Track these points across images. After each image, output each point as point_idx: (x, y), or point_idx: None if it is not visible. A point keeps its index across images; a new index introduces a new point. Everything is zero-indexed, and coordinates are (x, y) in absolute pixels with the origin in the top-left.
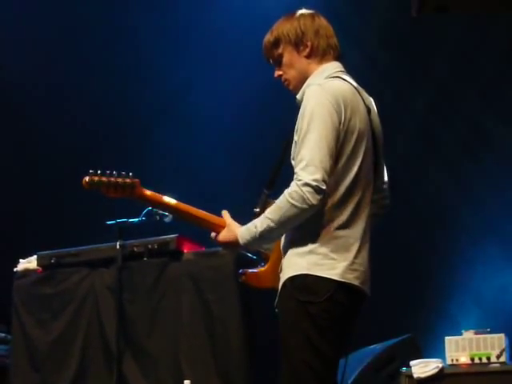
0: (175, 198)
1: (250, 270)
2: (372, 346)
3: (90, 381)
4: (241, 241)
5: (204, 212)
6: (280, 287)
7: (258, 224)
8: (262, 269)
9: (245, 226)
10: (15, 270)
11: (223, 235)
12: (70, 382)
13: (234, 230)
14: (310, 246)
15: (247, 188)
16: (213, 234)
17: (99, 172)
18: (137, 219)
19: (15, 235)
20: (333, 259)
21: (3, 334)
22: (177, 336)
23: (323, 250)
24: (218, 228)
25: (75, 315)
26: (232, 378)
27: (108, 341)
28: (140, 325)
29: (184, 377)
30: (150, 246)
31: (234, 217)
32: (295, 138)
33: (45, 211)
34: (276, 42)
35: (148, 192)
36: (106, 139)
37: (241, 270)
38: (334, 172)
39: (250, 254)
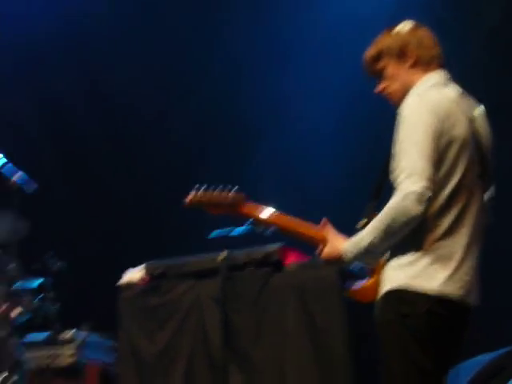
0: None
1: (355, 285)
2: (480, 356)
3: None
4: (345, 257)
5: (305, 225)
6: (379, 299)
7: (363, 238)
8: (368, 283)
9: (349, 241)
10: (122, 280)
11: (326, 252)
12: None
13: (338, 246)
14: (410, 258)
15: (353, 196)
16: (318, 251)
17: (202, 189)
18: (241, 229)
19: (119, 247)
20: (433, 271)
21: (112, 343)
22: (282, 347)
23: (424, 261)
24: (318, 243)
25: (181, 326)
26: None
27: (213, 351)
28: (245, 335)
29: None
30: (254, 257)
31: (339, 225)
32: (394, 149)
33: (149, 222)
34: (378, 56)
35: (247, 209)
36: (212, 148)
37: (346, 284)
38: (435, 181)
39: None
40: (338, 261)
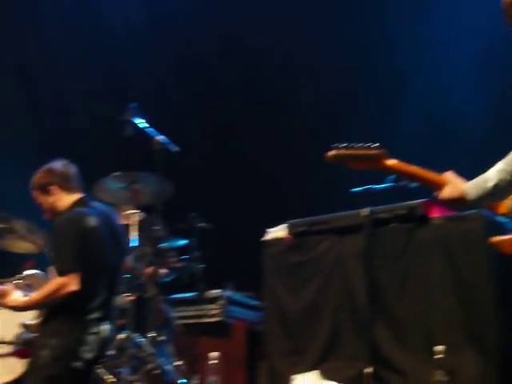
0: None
1: (503, 237)
2: None
3: (341, 347)
4: (468, 196)
5: (427, 171)
6: None
7: (488, 179)
8: None
9: (471, 183)
10: (264, 239)
11: (448, 191)
12: (322, 349)
13: (459, 187)
14: None
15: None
16: (437, 193)
17: (343, 145)
18: (384, 185)
19: (264, 205)
20: None
21: (256, 302)
22: (427, 301)
23: None
24: (441, 186)
25: (325, 282)
26: (485, 345)
27: (358, 307)
28: (390, 290)
29: (435, 342)
30: (397, 212)
31: None
32: None
33: (292, 180)
34: None
35: (391, 163)
36: (355, 103)
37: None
38: None
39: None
40: (459, 202)
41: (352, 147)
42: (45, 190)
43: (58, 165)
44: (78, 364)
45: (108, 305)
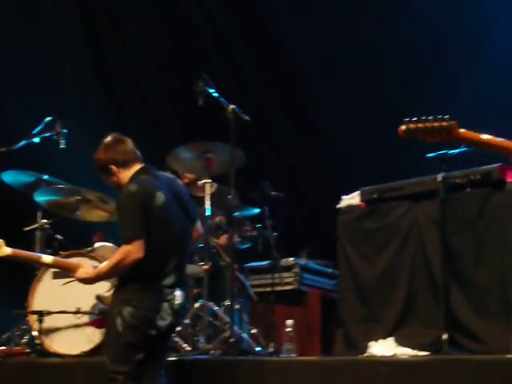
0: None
1: None
2: None
3: (417, 313)
4: None
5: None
6: None
7: None
8: None
9: None
10: (338, 206)
11: None
12: (397, 315)
13: None
14: None
15: None
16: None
17: (414, 119)
18: (458, 150)
19: (337, 172)
20: None
21: (330, 269)
22: (504, 267)
23: None
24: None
25: (400, 249)
26: None
27: (434, 273)
28: (466, 256)
29: None
30: (472, 177)
31: None
32: None
33: (365, 146)
34: None
35: (464, 132)
36: (421, 80)
37: None
38: None
39: None
40: None
41: (423, 120)
42: (105, 170)
43: (112, 142)
44: (153, 332)
45: (179, 271)
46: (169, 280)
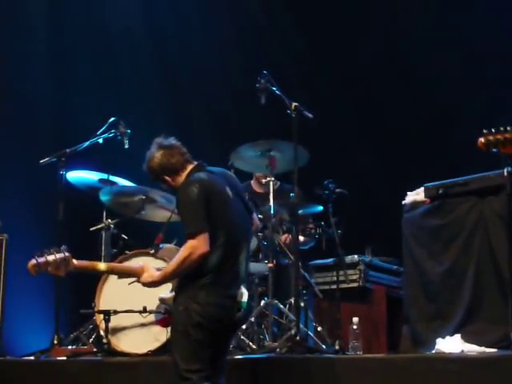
0: None
1: None
2: None
3: (484, 310)
4: None
5: None
6: None
7: None
8: None
9: None
10: (403, 202)
11: None
12: (464, 312)
13: None
14: None
15: None
16: None
17: (493, 130)
18: None
19: (402, 169)
20: None
21: (395, 266)
22: None
23: None
24: None
25: (466, 245)
26: None
27: (501, 269)
28: None
29: None
30: None
31: None
32: None
33: (429, 142)
34: None
35: None
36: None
37: None
38: None
39: None
40: None
41: (502, 131)
42: (160, 178)
43: (159, 150)
44: (220, 328)
45: (243, 265)
46: (233, 275)
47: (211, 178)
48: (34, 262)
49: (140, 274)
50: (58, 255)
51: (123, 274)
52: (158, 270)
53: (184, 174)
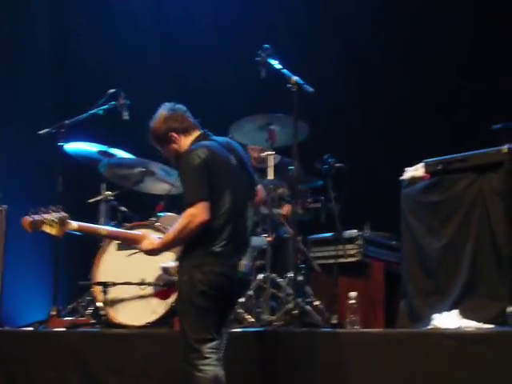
0: None
1: None
2: None
3: (482, 286)
4: None
5: None
6: None
7: None
8: None
9: None
10: (402, 178)
11: None
12: (462, 287)
13: None
14: None
15: None
16: None
17: None
18: None
19: (401, 144)
20: None
21: (394, 242)
22: None
23: None
24: None
25: (464, 221)
26: None
27: (499, 245)
28: None
29: None
30: None
31: None
32: None
33: (429, 118)
34: None
35: None
36: None
37: None
38: None
39: None
40: None
41: None
42: (165, 139)
43: (169, 109)
44: (223, 296)
45: (244, 236)
46: (236, 245)
47: (215, 147)
48: (29, 219)
49: (140, 240)
50: (55, 214)
51: (124, 239)
52: (160, 238)
53: (189, 139)
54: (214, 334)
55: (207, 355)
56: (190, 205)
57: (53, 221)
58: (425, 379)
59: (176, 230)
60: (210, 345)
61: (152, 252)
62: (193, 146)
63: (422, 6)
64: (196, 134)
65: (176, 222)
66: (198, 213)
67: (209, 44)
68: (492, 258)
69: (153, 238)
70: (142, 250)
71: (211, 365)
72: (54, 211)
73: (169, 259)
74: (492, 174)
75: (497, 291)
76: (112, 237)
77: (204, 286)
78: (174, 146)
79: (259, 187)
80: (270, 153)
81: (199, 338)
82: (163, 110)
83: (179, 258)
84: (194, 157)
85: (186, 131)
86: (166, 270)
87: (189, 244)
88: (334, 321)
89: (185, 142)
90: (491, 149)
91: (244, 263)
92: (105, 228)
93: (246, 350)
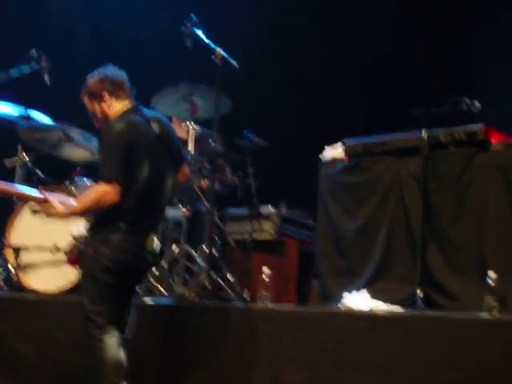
0: None
1: None
2: None
3: (393, 268)
4: None
5: None
6: None
7: None
8: None
9: None
10: (321, 157)
11: None
12: (374, 269)
13: None
14: None
15: None
16: None
17: None
18: (443, 107)
19: (321, 123)
20: None
21: (310, 221)
22: (482, 226)
23: None
24: None
25: (380, 203)
26: None
27: (412, 229)
28: (444, 214)
29: (488, 267)
30: (456, 136)
31: None
32: None
33: (349, 97)
34: None
35: None
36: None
37: None
38: None
39: None
40: None
41: None
42: (96, 96)
43: (110, 71)
44: (128, 273)
45: (158, 215)
46: (146, 224)
47: (141, 123)
48: None
49: (41, 202)
50: None
51: (25, 197)
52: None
53: (120, 106)
54: (113, 307)
55: (105, 327)
56: (105, 181)
57: None
58: (334, 358)
59: (83, 202)
60: (108, 318)
61: (55, 216)
62: (120, 119)
63: None
64: (127, 104)
65: (88, 191)
66: (110, 192)
67: (134, 12)
68: (405, 241)
69: (56, 203)
70: (46, 214)
71: (111, 336)
72: None
73: (82, 227)
74: (410, 158)
75: (408, 274)
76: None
77: (108, 261)
78: (103, 105)
79: (185, 167)
80: (190, 124)
81: (96, 310)
82: (105, 70)
83: (88, 230)
84: (117, 131)
85: (118, 97)
86: (76, 237)
87: (98, 217)
88: (246, 296)
89: (115, 107)
90: (410, 133)
91: (154, 242)
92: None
93: (156, 322)
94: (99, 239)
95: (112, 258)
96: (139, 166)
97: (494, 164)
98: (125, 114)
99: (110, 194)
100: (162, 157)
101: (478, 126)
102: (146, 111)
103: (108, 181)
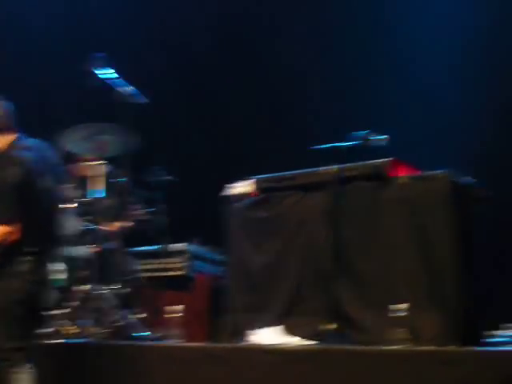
0: None
1: None
2: None
3: (304, 303)
4: None
5: None
6: None
7: None
8: None
9: None
10: (230, 193)
11: None
12: (284, 305)
13: None
14: None
15: None
16: None
17: None
18: (351, 143)
19: (228, 161)
20: None
21: (220, 257)
22: (391, 259)
23: None
24: None
25: (289, 238)
26: (447, 303)
27: (322, 264)
28: (354, 248)
29: (398, 300)
30: (363, 170)
31: None
32: None
33: (260, 134)
34: None
35: None
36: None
37: None
38: None
39: None
40: None
41: None
42: None
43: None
44: (39, 305)
45: (57, 244)
46: (47, 254)
47: (34, 160)
48: None
49: None
50: None
51: None
52: None
53: (5, 140)
54: (26, 343)
55: (17, 364)
56: (7, 223)
57: None
58: None
59: None
60: (21, 353)
61: None
62: (13, 152)
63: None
64: (12, 137)
65: None
66: (13, 231)
67: (40, 45)
68: (315, 275)
69: None
70: None
71: (22, 373)
72: None
73: None
74: (319, 193)
75: (319, 308)
76: None
77: (19, 294)
78: None
79: (65, 187)
80: (99, 162)
81: (11, 347)
82: None
83: None
84: (14, 170)
85: (1, 130)
86: None
87: (5, 252)
88: (158, 334)
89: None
90: (319, 168)
91: (59, 269)
92: None
93: (66, 361)
94: (8, 273)
95: (23, 290)
96: (34, 203)
97: (400, 197)
98: (10, 148)
99: (14, 234)
100: (52, 188)
101: (384, 160)
102: (30, 141)
103: (10, 222)
